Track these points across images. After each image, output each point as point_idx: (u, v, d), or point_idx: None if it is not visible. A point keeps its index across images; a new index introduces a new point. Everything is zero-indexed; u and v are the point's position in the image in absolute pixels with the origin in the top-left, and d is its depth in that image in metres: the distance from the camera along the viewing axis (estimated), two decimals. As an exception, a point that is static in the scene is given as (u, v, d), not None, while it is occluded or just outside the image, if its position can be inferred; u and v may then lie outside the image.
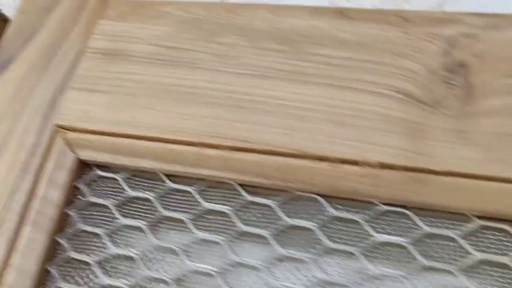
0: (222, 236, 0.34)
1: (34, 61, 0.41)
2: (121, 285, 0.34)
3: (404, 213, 0.32)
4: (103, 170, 0.38)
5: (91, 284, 0.36)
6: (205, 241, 0.35)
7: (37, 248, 0.35)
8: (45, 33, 0.42)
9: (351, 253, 0.32)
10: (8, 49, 0.42)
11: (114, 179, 0.38)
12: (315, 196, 0.34)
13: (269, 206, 0.34)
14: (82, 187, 0.38)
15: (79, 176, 0.38)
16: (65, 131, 0.38)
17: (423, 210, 0.32)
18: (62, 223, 0.37)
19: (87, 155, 0.38)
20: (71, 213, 0.37)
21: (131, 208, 0.37)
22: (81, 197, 0.38)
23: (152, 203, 0.36)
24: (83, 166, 0.38)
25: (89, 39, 0.41)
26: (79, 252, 0.36)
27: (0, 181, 0.37)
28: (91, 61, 0.40)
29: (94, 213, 0.37)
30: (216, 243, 0.34)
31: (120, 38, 0.40)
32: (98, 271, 0.35)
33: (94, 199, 0.37)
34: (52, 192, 0.37)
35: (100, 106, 0.38)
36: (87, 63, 0.40)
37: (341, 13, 0.37)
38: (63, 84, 0.40)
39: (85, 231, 0.37)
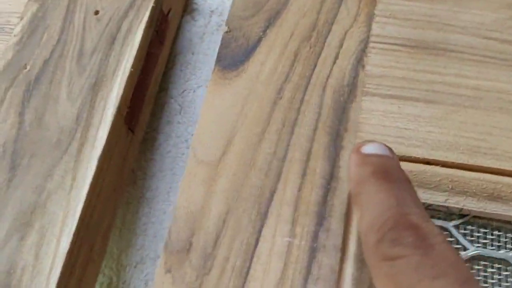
0: None
1: (288, 50, 0.29)
2: None
3: None
4: (419, 214, 0.26)
5: None
6: None
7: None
8: (294, 10, 0.30)
9: None
10: (244, 30, 0.30)
11: (442, 228, 0.26)
12: None
13: None
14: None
15: (388, 222, 0.26)
16: (372, 156, 0.26)
17: None
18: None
19: (403, 192, 0.26)
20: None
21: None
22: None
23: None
24: (391, 208, 0.26)
25: (372, 23, 0.29)
26: None
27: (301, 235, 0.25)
28: (386, 55, 0.28)
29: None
30: None
31: (423, 24, 0.28)
32: None
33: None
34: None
35: (420, 121, 0.26)
36: (379, 57, 0.28)
37: None
38: (350, 87, 0.27)
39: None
